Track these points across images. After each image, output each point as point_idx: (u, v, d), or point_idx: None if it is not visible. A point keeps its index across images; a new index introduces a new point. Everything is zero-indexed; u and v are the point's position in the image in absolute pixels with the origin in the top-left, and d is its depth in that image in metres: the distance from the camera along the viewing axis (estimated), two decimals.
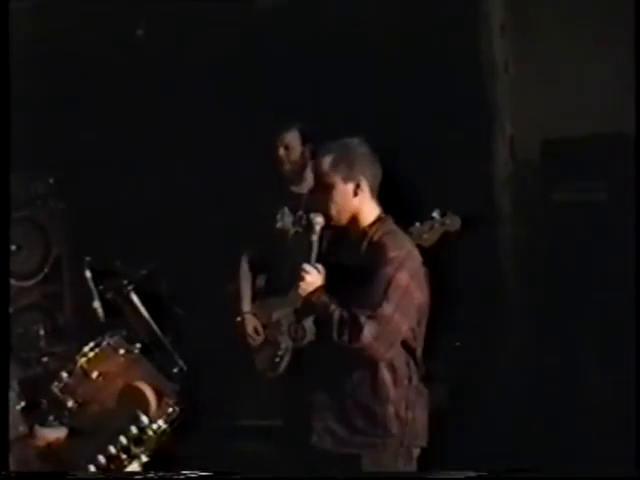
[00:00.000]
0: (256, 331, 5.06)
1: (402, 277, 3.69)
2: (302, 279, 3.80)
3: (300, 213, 5.05)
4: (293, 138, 5.13)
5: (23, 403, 4.49)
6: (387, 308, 3.65)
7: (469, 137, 5.34)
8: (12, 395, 4.42)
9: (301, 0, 5.61)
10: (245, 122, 5.19)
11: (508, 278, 5.45)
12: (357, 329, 3.64)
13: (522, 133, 5.38)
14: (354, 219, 3.84)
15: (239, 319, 5.09)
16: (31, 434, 4.02)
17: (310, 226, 3.89)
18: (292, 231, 5.09)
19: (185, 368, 4.89)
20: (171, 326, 5.08)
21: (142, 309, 4.96)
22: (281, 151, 5.13)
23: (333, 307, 3.74)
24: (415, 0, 5.38)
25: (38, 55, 5.94)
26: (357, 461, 3.83)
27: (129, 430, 4.02)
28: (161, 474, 4.39)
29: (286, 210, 5.13)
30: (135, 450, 4.04)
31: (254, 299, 5.14)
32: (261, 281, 5.16)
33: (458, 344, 4.24)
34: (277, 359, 4.90)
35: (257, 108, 5.48)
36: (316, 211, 4.38)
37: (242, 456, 5.28)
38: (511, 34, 5.38)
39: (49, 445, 4.04)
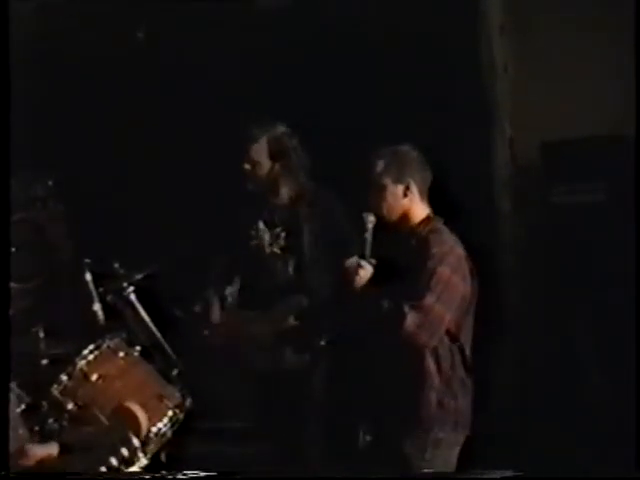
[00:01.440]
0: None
1: (443, 271, 3.96)
2: (357, 273, 4.06)
3: (278, 230, 4.90)
4: (259, 152, 4.79)
5: (23, 406, 4.50)
6: (429, 299, 3.91)
7: (469, 138, 5.34)
8: (12, 398, 4.42)
9: (301, 1, 5.60)
10: (246, 125, 5.15)
11: (508, 279, 5.45)
12: (401, 318, 3.89)
13: (522, 134, 5.37)
14: (404, 218, 4.14)
15: (206, 332, 4.98)
16: (22, 454, 4.01)
17: (363, 224, 4.12)
18: (268, 250, 4.90)
19: (185, 370, 4.91)
20: (171, 328, 5.09)
21: (142, 311, 4.97)
22: (246, 166, 4.80)
23: (381, 298, 4.00)
24: (415, 1, 5.37)
25: (39, 56, 5.96)
26: (398, 448, 4.05)
27: (119, 452, 4.04)
28: (163, 474, 4.41)
29: (261, 225, 4.92)
30: (125, 470, 4.08)
31: (223, 309, 5.02)
32: (233, 291, 5.04)
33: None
34: (248, 375, 4.89)
35: (257, 110, 5.46)
36: (295, 227, 4.82)
37: (244, 459, 5.27)
38: (511, 35, 5.37)
39: (41, 461, 4.05)
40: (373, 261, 4.10)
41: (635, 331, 4.76)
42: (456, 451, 4.11)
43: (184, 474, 4.07)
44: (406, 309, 3.89)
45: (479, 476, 3.86)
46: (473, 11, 5.42)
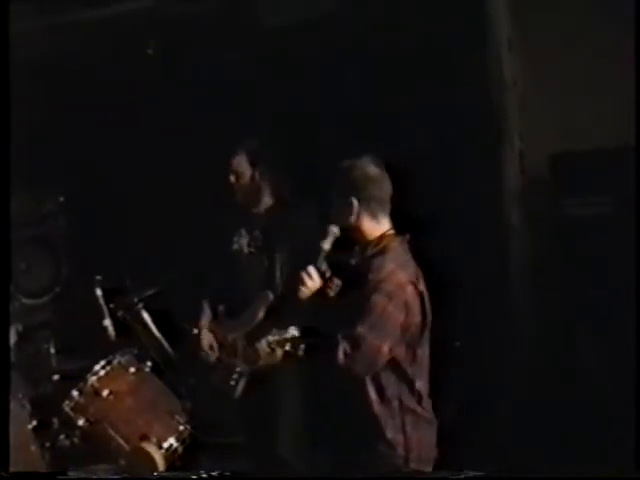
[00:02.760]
0: (211, 347, 5.02)
1: (378, 299, 3.75)
2: (303, 283, 3.90)
3: (256, 233, 5.07)
4: (241, 163, 5.06)
5: (35, 422, 4.52)
6: (360, 328, 3.72)
7: (478, 151, 5.34)
8: (23, 414, 4.44)
9: (306, 20, 5.61)
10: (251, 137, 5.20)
11: (516, 291, 5.44)
12: (333, 347, 3.72)
13: (531, 147, 5.35)
14: (356, 235, 3.94)
15: (195, 331, 5.04)
16: None
17: (325, 234, 3.96)
18: (245, 251, 5.08)
19: (195, 386, 4.93)
20: (182, 344, 5.11)
21: (153, 327, 4.99)
22: (232, 179, 5.07)
23: (321, 320, 3.87)
24: (422, 15, 5.38)
25: (48, 76, 5.99)
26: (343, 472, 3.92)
27: None
28: (174, 474, 4.44)
29: (243, 232, 5.11)
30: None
31: (215, 317, 5.10)
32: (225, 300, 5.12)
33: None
34: (232, 382, 4.89)
35: (261, 126, 5.49)
36: (272, 231, 4.96)
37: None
38: (519, 48, 5.37)
39: None
40: (324, 271, 3.96)
41: (635, 331, 4.75)
42: None
43: (191, 474, 4.12)
44: (338, 338, 3.71)
45: (446, 475, 3.83)
46: (481, 25, 5.41)
